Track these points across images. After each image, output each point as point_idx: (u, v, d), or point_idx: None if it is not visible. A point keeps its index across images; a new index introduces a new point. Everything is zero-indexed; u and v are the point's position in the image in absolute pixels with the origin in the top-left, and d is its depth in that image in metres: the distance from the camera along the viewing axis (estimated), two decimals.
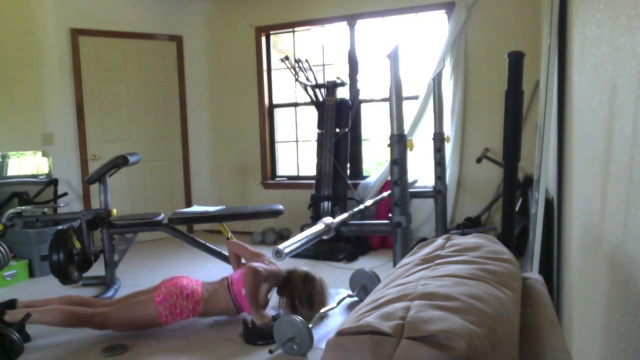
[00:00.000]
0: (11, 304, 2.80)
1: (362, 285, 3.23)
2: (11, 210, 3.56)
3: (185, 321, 2.87)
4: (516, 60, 1.86)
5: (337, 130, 4.71)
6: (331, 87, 4.73)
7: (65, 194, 4.68)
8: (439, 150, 3.60)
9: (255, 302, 2.68)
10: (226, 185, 5.73)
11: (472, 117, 4.57)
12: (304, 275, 2.88)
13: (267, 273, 2.77)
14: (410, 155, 2.47)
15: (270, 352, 2.47)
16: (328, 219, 2.47)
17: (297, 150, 5.49)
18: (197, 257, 4.54)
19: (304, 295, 2.83)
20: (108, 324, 2.68)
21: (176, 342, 2.67)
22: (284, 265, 2.92)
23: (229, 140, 5.67)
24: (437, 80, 3.60)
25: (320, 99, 4.82)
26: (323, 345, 1.39)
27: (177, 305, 2.70)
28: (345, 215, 2.67)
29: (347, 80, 4.96)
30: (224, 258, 3.70)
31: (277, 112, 5.59)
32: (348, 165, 4.86)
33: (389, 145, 2.37)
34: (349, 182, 4.70)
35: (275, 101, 5.55)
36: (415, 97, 4.74)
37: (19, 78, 4.60)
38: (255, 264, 2.77)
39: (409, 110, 4.67)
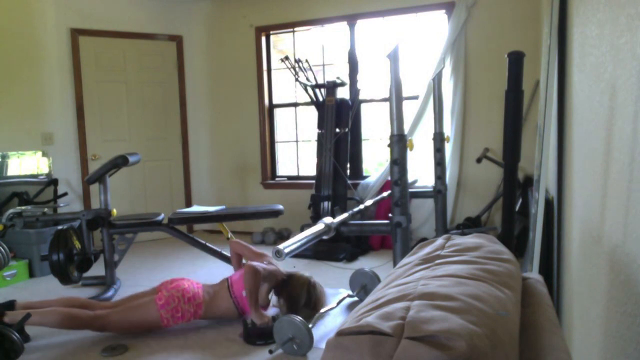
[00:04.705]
0: (10, 305, 2.79)
1: (362, 285, 3.22)
2: (11, 210, 3.56)
3: None
4: (516, 60, 1.86)
5: (337, 130, 4.70)
6: (331, 87, 4.73)
7: (65, 194, 4.68)
8: (439, 150, 3.61)
9: (255, 301, 2.67)
10: (226, 185, 5.73)
11: (472, 117, 4.57)
12: (307, 282, 2.86)
13: (267, 273, 2.75)
14: (410, 155, 2.48)
15: (270, 352, 2.47)
16: (328, 219, 2.47)
17: (297, 150, 5.49)
18: (197, 257, 4.54)
19: (304, 301, 2.82)
20: (109, 327, 2.67)
21: (176, 342, 2.67)
22: (284, 264, 2.92)
23: (229, 140, 5.67)
24: (437, 80, 3.61)
25: (320, 99, 4.82)
26: (323, 345, 1.39)
27: (179, 308, 2.69)
28: (345, 215, 2.67)
29: (347, 80, 4.96)
30: (224, 258, 3.70)
31: (277, 112, 5.59)
32: (348, 165, 4.85)
33: (389, 145, 2.37)
34: (349, 182, 4.70)
35: (275, 101, 5.55)
36: (415, 97, 4.74)
37: (19, 78, 4.60)
38: (255, 263, 2.76)
39: (409, 110, 4.67)
